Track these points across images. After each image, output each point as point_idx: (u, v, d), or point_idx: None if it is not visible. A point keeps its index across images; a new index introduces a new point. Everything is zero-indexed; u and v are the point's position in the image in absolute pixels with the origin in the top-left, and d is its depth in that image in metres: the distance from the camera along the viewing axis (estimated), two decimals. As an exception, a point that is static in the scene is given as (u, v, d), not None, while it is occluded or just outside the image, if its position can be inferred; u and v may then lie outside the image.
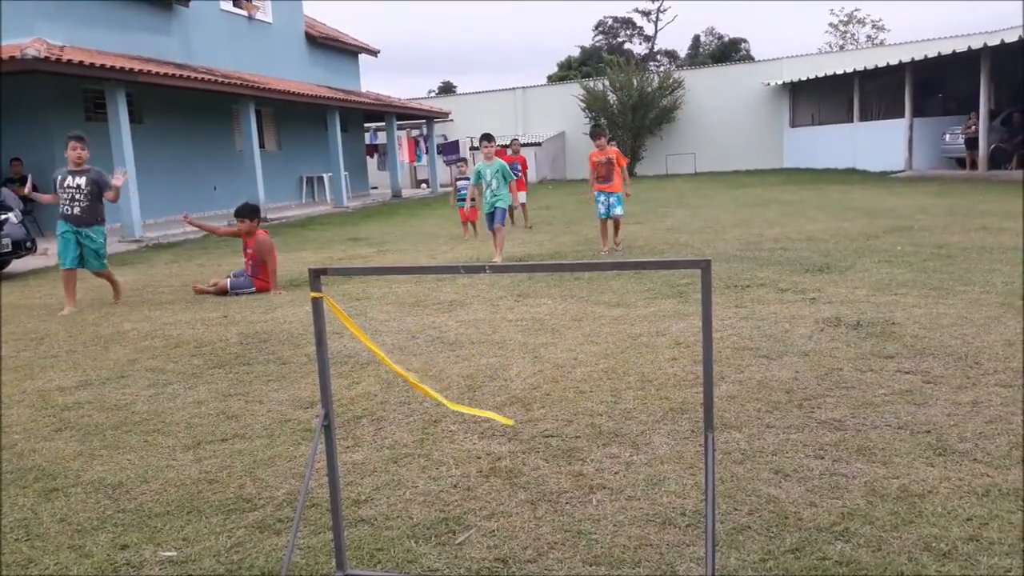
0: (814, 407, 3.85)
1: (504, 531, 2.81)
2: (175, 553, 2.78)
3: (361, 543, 2.76)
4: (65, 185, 7.70)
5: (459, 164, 12.99)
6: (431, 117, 28.73)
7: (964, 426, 3.51)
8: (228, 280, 8.18)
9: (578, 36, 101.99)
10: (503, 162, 9.85)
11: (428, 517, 2.94)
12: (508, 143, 14.48)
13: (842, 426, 3.60)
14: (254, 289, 8.11)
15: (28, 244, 10.70)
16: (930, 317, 5.46)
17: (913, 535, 2.63)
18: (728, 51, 51.69)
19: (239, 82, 17.26)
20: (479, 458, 3.46)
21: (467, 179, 12.19)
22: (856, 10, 55.74)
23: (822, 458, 3.26)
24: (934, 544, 2.56)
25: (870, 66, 24.11)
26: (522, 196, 13.55)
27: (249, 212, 8.37)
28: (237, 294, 8.00)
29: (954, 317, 5.41)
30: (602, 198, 9.77)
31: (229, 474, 3.43)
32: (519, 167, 13.66)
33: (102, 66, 13.38)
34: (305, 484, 2.39)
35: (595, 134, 10.25)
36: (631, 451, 3.44)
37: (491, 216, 9.73)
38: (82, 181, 7.70)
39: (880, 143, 24.11)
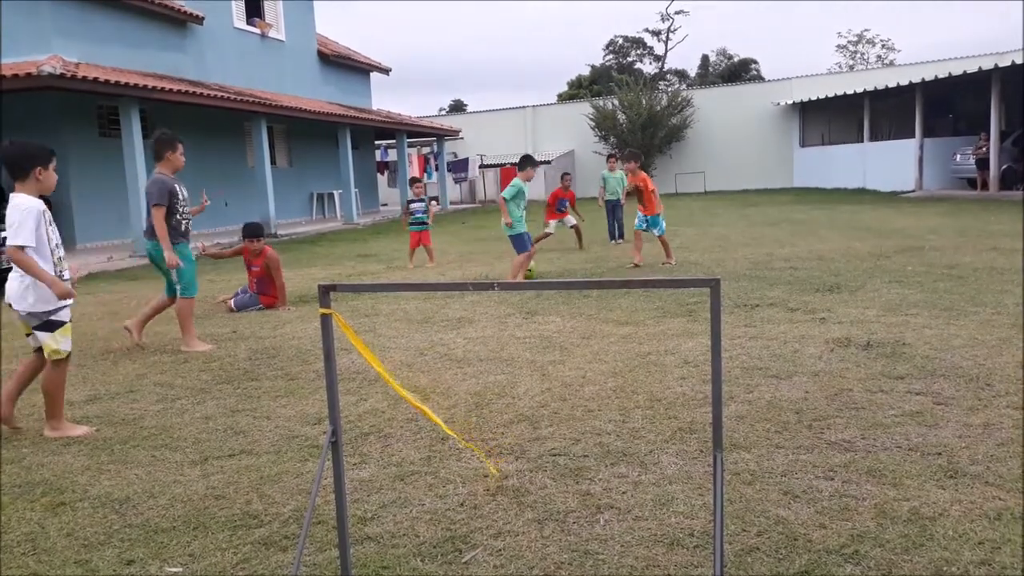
0: (824, 428, 3.83)
1: (511, 550, 2.80)
2: (181, 569, 2.78)
3: (367, 561, 2.75)
4: (183, 196, 6.47)
5: (415, 186, 12.28)
6: (441, 135, 28.88)
7: (975, 448, 3.48)
8: (233, 299, 8.20)
9: (588, 55, 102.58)
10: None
11: (434, 535, 2.93)
12: (561, 176, 13.45)
13: (852, 447, 3.57)
14: (261, 306, 8.13)
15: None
16: (941, 338, 5.42)
17: (924, 558, 2.60)
18: (738, 71, 51.81)
19: (251, 99, 17.41)
20: (486, 476, 3.45)
21: (421, 201, 11.90)
22: (865, 30, 55.78)
23: (832, 479, 3.24)
24: (945, 568, 2.54)
25: (880, 86, 24.15)
26: (557, 223, 13.01)
27: (262, 231, 8.48)
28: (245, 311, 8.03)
29: (965, 338, 5.38)
30: (640, 216, 10.31)
31: (236, 490, 3.43)
32: (567, 202, 12.92)
33: (116, 83, 13.52)
34: (312, 501, 2.38)
35: (624, 157, 10.83)
36: (639, 471, 3.43)
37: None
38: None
39: (890, 163, 24.10)
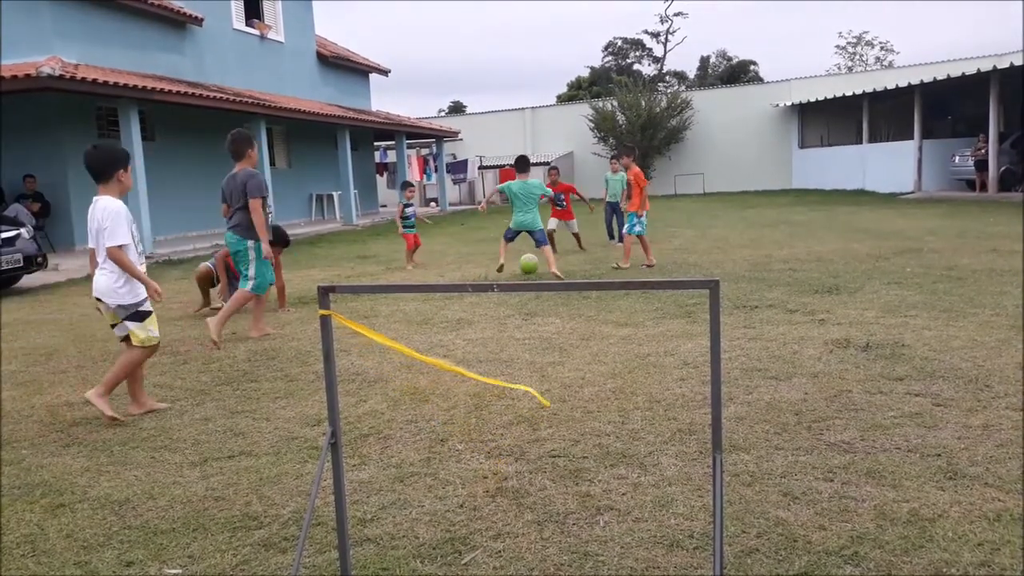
0: (823, 429, 3.83)
1: (510, 552, 2.80)
2: (180, 571, 2.77)
3: (367, 562, 2.75)
4: None
5: (406, 190, 12.28)
6: (441, 136, 28.86)
7: (975, 450, 3.48)
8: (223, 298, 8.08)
9: (588, 57, 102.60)
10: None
11: (434, 537, 2.92)
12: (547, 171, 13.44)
13: (851, 448, 3.57)
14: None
15: (39, 259, 10.78)
16: (940, 339, 5.43)
17: (923, 560, 2.60)
18: (737, 73, 51.84)
19: (250, 100, 17.40)
20: (486, 478, 3.45)
21: (413, 204, 12.03)
22: (865, 32, 55.81)
23: (831, 481, 3.24)
24: (945, 570, 2.54)
25: (879, 88, 24.16)
26: (559, 222, 12.78)
27: (288, 240, 8.42)
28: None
29: (964, 340, 5.38)
30: (628, 216, 10.36)
31: (235, 491, 3.42)
32: (562, 197, 12.66)
33: (115, 84, 13.51)
34: (311, 502, 2.38)
35: (622, 151, 11.02)
36: (639, 472, 3.43)
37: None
38: None
39: (889, 164, 24.11)
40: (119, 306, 4.50)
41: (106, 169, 4.52)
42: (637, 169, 10.34)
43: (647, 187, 10.38)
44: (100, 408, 4.50)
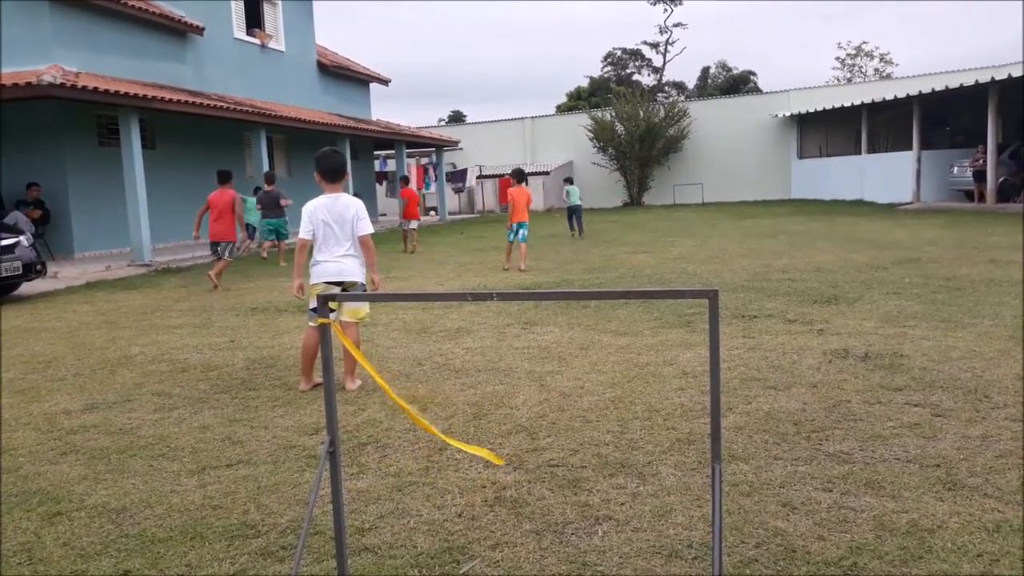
0: (822, 439, 3.82)
1: (509, 562, 2.79)
2: (177, 579, 2.76)
3: (365, 572, 2.74)
4: None
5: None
6: (440, 145, 28.93)
7: (974, 460, 3.48)
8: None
9: (587, 67, 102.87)
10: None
11: (432, 547, 2.92)
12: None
13: (850, 459, 3.57)
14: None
15: (38, 267, 10.77)
16: (939, 350, 5.43)
17: (923, 571, 2.59)
18: (737, 84, 51.96)
19: (251, 109, 17.43)
20: (484, 487, 3.44)
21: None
22: (864, 43, 55.86)
23: (830, 491, 3.23)
24: (944, 580, 2.53)
25: (878, 99, 24.24)
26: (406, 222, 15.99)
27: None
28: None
29: (963, 350, 5.38)
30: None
31: (233, 500, 3.41)
32: (405, 202, 16.45)
33: (116, 92, 13.54)
34: (309, 511, 2.38)
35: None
36: (637, 482, 3.42)
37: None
38: None
39: (888, 175, 24.16)
40: (360, 283, 5.05)
41: (342, 169, 5.07)
42: (512, 189, 12.12)
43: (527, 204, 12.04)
44: (352, 388, 5.05)
